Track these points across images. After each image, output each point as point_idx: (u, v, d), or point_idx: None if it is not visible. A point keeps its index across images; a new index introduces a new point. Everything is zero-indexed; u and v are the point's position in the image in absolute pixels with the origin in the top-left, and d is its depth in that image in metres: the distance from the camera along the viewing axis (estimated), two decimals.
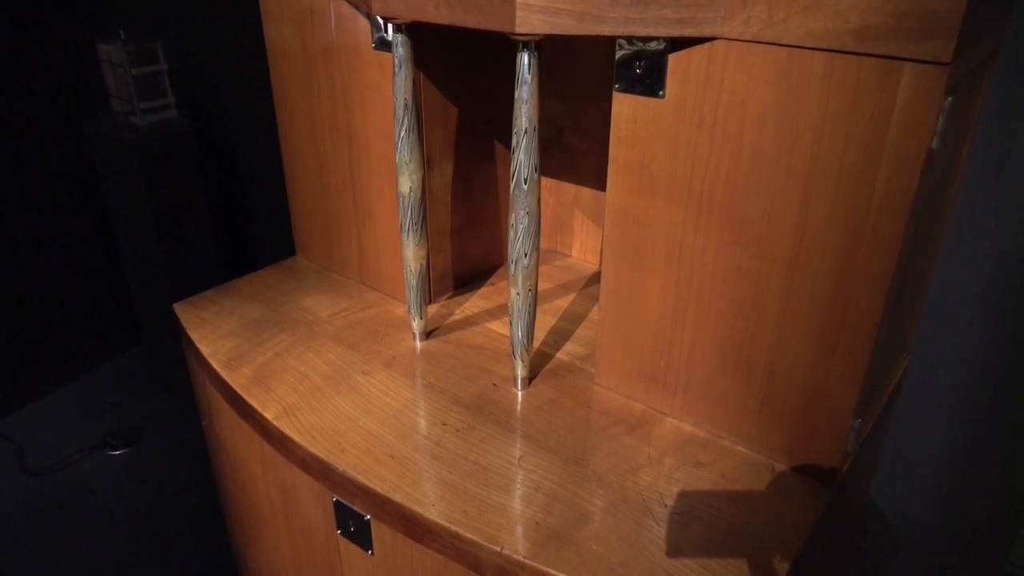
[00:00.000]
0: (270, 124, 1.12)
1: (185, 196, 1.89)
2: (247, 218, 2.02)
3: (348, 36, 0.93)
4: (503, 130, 1.02)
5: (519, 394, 0.87)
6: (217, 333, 0.98)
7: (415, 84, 0.84)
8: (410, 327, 0.96)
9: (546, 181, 1.16)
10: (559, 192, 1.16)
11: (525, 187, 0.75)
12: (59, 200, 2.07)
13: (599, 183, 1.10)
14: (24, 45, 1.91)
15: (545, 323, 1.00)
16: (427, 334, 0.97)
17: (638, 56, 0.69)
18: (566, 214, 1.17)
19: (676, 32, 0.65)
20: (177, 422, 2.01)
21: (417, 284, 0.93)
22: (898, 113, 0.57)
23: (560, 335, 0.98)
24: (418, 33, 0.81)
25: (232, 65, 1.82)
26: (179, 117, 1.85)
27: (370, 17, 0.89)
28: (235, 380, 0.89)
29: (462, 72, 0.95)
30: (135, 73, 1.76)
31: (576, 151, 1.11)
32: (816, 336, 0.68)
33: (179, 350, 1.06)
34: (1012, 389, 0.97)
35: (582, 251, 1.18)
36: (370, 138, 0.97)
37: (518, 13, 0.65)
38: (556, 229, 1.20)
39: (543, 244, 1.20)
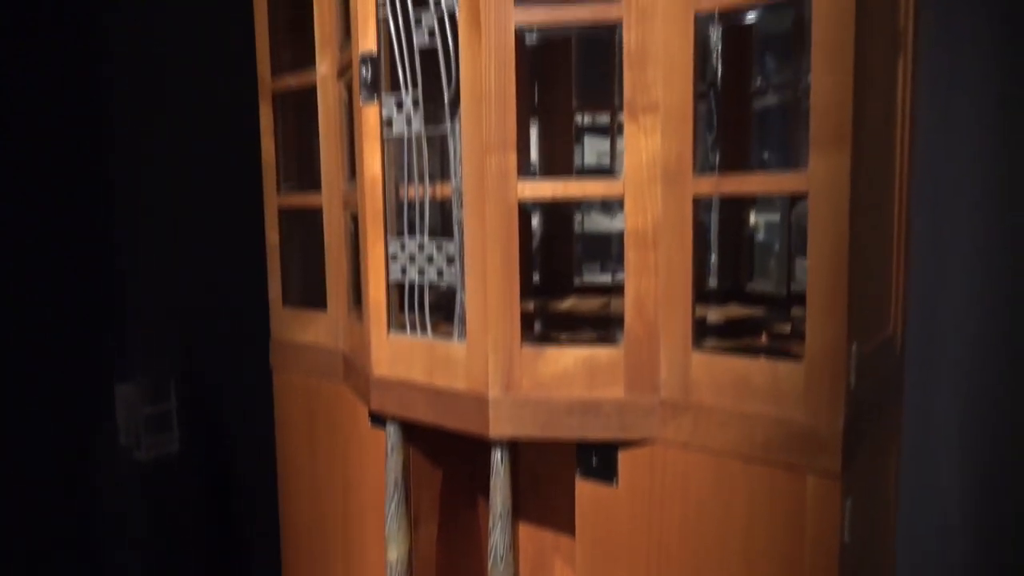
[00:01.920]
0: (269, 457, 1.23)
1: (179, 525, 1.92)
2: (238, 552, 2.03)
3: (348, 414, 1.07)
4: (484, 484, 1.12)
5: None
6: None
7: (405, 463, 0.96)
8: None
9: (527, 527, 1.24)
10: (539, 538, 1.23)
11: (501, 566, 0.83)
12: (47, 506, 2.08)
13: None
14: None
15: None
16: None
17: (593, 450, 0.82)
18: (547, 560, 1.23)
19: (621, 435, 0.78)
20: None
21: None
22: (809, 513, 0.69)
23: None
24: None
25: (236, 399, 1.96)
26: (180, 450, 1.95)
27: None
28: None
29: (446, 445, 1.07)
30: (147, 413, 1.90)
31: (554, 501, 1.21)
32: None
33: None
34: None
35: None
36: (366, 514, 1.05)
37: (491, 422, 0.79)
38: (538, 572, 1.25)
39: None
